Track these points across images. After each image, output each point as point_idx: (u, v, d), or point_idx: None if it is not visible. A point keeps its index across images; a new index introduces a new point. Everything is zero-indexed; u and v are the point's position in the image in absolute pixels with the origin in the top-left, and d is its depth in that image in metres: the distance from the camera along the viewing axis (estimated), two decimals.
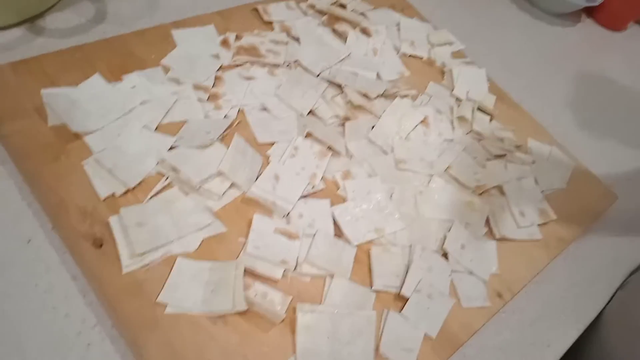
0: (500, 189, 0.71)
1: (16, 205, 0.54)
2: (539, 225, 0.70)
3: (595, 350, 0.72)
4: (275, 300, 0.52)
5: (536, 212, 0.70)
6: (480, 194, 0.69)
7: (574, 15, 1.18)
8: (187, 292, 0.51)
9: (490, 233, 0.67)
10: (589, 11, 1.20)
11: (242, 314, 0.51)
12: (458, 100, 0.81)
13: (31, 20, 0.68)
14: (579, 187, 0.78)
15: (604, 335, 0.70)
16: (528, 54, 1.03)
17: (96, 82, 0.61)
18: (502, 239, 0.67)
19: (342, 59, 0.77)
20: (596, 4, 1.12)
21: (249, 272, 0.54)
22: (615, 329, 0.69)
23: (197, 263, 0.53)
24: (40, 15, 0.69)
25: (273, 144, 0.64)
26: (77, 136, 0.57)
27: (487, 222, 0.68)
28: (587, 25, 1.19)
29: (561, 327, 0.65)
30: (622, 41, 1.19)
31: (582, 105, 0.97)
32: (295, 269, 0.55)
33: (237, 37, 0.73)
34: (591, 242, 0.74)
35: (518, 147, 0.78)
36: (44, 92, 0.58)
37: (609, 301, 0.70)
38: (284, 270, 0.55)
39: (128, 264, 0.50)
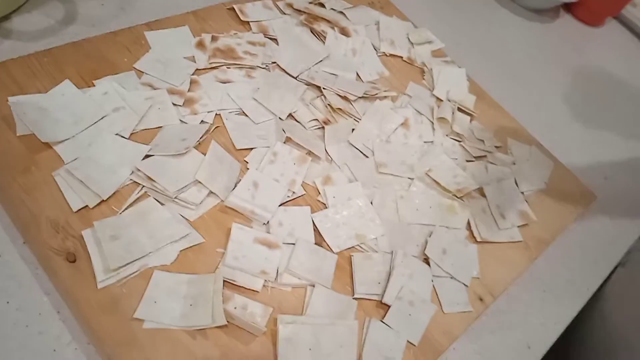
0: (481, 191, 0.71)
1: None
2: (519, 227, 0.70)
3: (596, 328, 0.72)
4: (255, 313, 0.52)
5: (516, 214, 0.71)
6: (461, 197, 0.69)
7: (553, 11, 1.18)
8: (165, 306, 0.49)
9: (471, 236, 0.67)
10: (568, 7, 1.21)
11: (222, 327, 0.50)
12: (438, 100, 0.80)
13: None
14: (559, 187, 0.78)
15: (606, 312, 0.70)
16: (508, 50, 1.03)
17: (66, 88, 0.59)
18: (483, 242, 0.67)
19: (321, 60, 0.76)
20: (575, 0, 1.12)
21: (228, 284, 0.53)
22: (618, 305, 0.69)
23: (174, 276, 0.51)
24: (7, 17, 0.66)
25: (252, 149, 0.63)
26: (47, 146, 0.55)
27: (468, 225, 0.68)
28: (566, 21, 1.19)
29: (541, 329, 0.66)
30: (600, 36, 1.20)
31: (561, 103, 0.97)
32: (275, 279, 0.54)
33: (213, 39, 0.71)
34: (571, 243, 0.75)
35: (498, 147, 0.78)
36: (12, 100, 0.56)
37: (589, 300, 0.71)
38: (264, 281, 0.54)
39: (103, 278, 0.49)
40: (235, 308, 0.51)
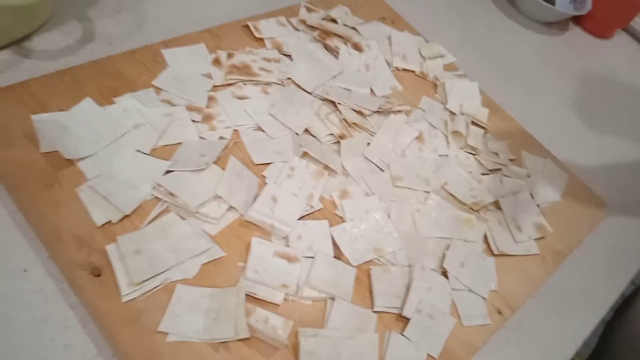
0: (496, 203, 0.72)
1: (10, 234, 0.52)
2: (535, 239, 0.70)
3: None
4: (277, 326, 0.52)
5: (533, 227, 0.71)
6: (477, 210, 0.69)
7: (562, 24, 1.19)
8: (188, 320, 0.50)
9: (488, 249, 0.67)
10: (576, 19, 1.22)
11: (244, 340, 0.50)
12: (452, 114, 0.81)
13: (17, 43, 0.67)
14: (573, 199, 0.78)
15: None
16: (518, 63, 1.04)
17: (87, 106, 0.60)
18: (500, 255, 0.67)
19: (334, 76, 0.77)
20: (584, 12, 1.13)
21: (249, 297, 0.53)
22: None
23: (196, 290, 0.52)
24: (27, 37, 0.68)
25: (269, 164, 0.64)
26: (70, 162, 0.56)
27: (485, 238, 0.68)
28: (575, 33, 1.20)
29: (559, 341, 0.65)
30: (610, 48, 1.21)
31: (573, 113, 0.98)
32: (296, 292, 0.55)
33: (229, 56, 0.72)
34: (587, 255, 0.75)
35: (512, 160, 0.79)
36: (35, 118, 0.57)
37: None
38: (285, 294, 0.54)
39: (127, 292, 0.50)
40: (257, 321, 0.51)
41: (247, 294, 0.53)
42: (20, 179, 0.54)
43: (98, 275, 0.50)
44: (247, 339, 0.50)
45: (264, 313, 0.52)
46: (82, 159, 0.56)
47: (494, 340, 0.61)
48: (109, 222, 0.53)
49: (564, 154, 0.86)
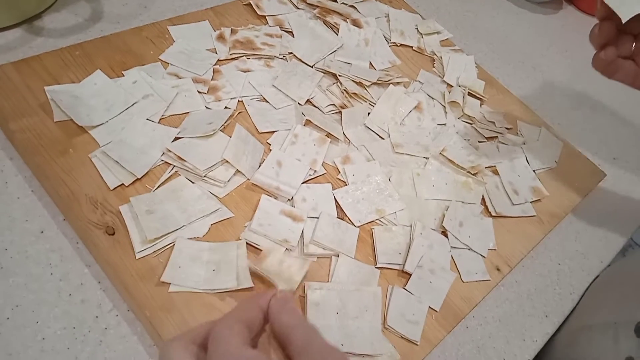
0: (493, 169, 0.74)
1: (27, 199, 0.55)
2: (532, 202, 0.73)
3: None
4: (292, 265, 0.54)
5: (529, 190, 0.73)
6: (475, 174, 0.71)
7: (556, 3, 1.21)
8: (189, 271, 0.52)
9: (486, 211, 0.69)
10: None
11: (249, 289, 0.52)
12: (449, 86, 0.83)
13: (29, 21, 0.69)
14: (569, 166, 0.81)
15: None
16: (513, 41, 1.06)
17: (98, 78, 0.63)
18: (498, 216, 0.69)
19: (335, 50, 0.79)
20: None
21: (251, 248, 0.56)
22: None
23: (196, 243, 0.54)
24: (38, 16, 0.70)
25: (273, 132, 0.66)
26: (83, 130, 0.58)
27: (483, 200, 0.70)
28: (569, 12, 1.23)
29: (557, 298, 0.68)
30: None
31: (568, 88, 1.00)
32: (301, 250, 0.57)
33: (233, 32, 0.75)
34: (582, 218, 0.77)
35: (509, 129, 0.81)
36: (48, 89, 0.60)
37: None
38: (285, 250, 0.57)
39: (140, 249, 0.52)
40: (271, 265, 0.54)
41: (249, 244, 0.55)
42: (36, 147, 0.56)
43: (112, 234, 0.52)
44: (252, 288, 0.52)
45: (278, 256, 0.55)
46: (94, 127, 0.59)
47: (493, 296, 0.64)
48: (121, 185, 0.56)
49: (560, 125, 0.88)
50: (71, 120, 0.58)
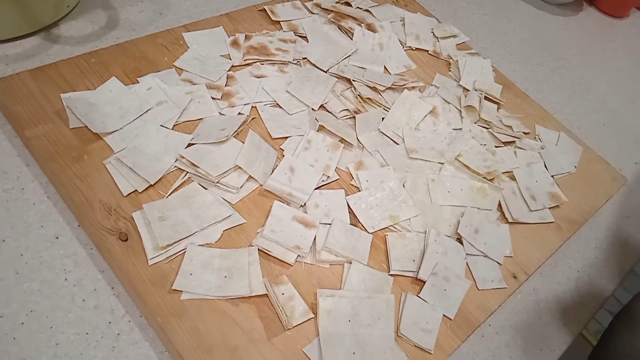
0: (510, 174, 0.73)
1: (43, 205, 0.56)
2: (550, 208, 0.71)
3: None
4: (296, 308, 0.53)
5: (547, 196, 0.72)
6: (491, 180, 0.70)
7: (576, 4, 1.19)
8: (200, 278, 0.52)
9: (502, 217, 0.68)
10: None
11: (263, 297, 0.52)
12: (465, 90, 0.82)
13: (46, 29, 0.70)
14: (589, 171, 0.79)
15: None
16: (532, 43, 1.04)
17: (113, 85, 0.63)
18: (515, 223, 0.68)
19: (349, 55, 0.79)
20: None
21: (263, 254, 0.55)
22: None
23: (207, 250, 0.54)
24: (55, 24, 0.71)
25: (287, 138, 0.66)
26: (98, 137, 0.59)
27: (499, 206, 0.69)
28: (589, 14, 1.20)
29: (576, 307, 0.66)
30: (625, 27, 1.20)
31: (588, 92, 0.98)
32: (309, 256, 0.57)
33: (247, 37, 0.75)
34: (603, 224, 0.76)
35: (526, 133, 0.80)
36: (64, 96, 0.60)
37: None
38: (297, 256, 0.56)
39: (153, 256, 0.52)
40: (283, 294, 0.53)
41: (261, 250, 0.55)
42: (51, 153, 0.57)
43: (125, 240, 0.53)
44: (266, 296, 0.52)
45: (292, 291, 0.54)
46: (108, 133, 0.59)
47: (509, 304, 0.63)
48: (135, 191, 0.56)
49: (580, 129, 0.87)
50: (86, 127, 0.59)
